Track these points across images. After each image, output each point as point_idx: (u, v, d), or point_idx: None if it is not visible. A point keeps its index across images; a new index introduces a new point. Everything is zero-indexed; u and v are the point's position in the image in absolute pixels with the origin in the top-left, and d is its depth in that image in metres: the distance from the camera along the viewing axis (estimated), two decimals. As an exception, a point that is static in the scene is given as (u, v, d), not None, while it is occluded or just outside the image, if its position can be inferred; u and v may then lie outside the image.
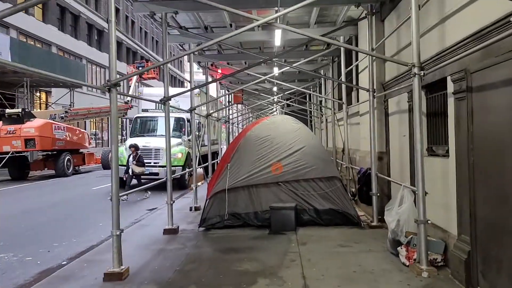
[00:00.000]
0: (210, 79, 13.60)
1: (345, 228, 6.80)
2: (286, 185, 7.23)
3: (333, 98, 11.02)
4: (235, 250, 5.80)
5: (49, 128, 17.75)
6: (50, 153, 19.50)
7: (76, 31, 33.05)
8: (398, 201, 5.29)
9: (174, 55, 58.98)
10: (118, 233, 4.83)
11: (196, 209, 9.11)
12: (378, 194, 6.86)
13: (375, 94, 6.90)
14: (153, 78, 37.42)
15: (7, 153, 17.95)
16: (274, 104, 25.36)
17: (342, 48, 9.44)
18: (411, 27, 4.77)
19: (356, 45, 9.69)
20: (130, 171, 11.92)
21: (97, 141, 36.92)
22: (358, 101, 9.65)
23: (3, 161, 18.47)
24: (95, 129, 37.47)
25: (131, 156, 12.06)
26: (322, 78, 14.82)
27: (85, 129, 32.88)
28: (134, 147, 12.10)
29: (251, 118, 30.12)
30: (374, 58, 6.96)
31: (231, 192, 7.24)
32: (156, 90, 18.70)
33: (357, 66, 9.08)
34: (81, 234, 7.58)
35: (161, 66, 7.15)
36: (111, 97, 4.88)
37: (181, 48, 10.82)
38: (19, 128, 16.88)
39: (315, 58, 12.36)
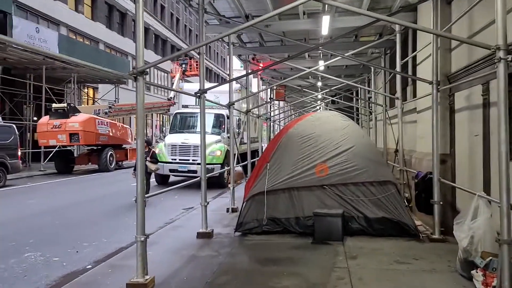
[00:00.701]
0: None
1: (400, 240, 5.92)
2: (332, 188, 6.45)
3: (385, 93, 10.02)
4: (274, 261, 5.13)
5: (92, 123, 17.96)
6: (94, 147, 19.82)
7: (123, 29, 33.74)
8: (471, 213, 4.38)
9: (215, 50, 59.20)
10: (142, 239, 4.32)
11: (234, 210, 8.53)
12: (441, 203, 5.92)
13: (439, 87, 5.94)
14: (196, 75, 37.46)
15: (54, 147, 18.41)
16: (318, 101, 24.44)
17: (397, 37, 8.46)
18: (496, 1, 3.85)
19: (414, 35, 8.69)
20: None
21: (141, 137, 37.60)
22: (414, 96, 8.65)
23: (50, 155, 19.00)
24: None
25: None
26: (372, 73, 13.79)
27: (130, 125, 33.62)
28: (146, 142, 11.01)
29: (293, 116, 29.33)
30: (439, 46, 5.99)
31: (271, 195, 6.57)
32: (196, 86, 18.40)
33: (414, 57, 8.09)
34: (113, 234, 7.21)
35: (198, 57, 6.62)
36: (138, 86, 4.43)
37: (221, 40, 10.28)
38: (65, 123, 17.17)
39: (365, 50, 11.44)
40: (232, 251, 5.65)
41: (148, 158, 9.96)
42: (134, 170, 10.11)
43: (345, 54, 9.74)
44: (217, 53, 60.18)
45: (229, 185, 8.98)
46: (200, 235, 6.35)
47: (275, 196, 6.60)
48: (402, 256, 5.22)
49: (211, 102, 8.84)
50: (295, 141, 6.90)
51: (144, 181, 4.33)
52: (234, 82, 9.07)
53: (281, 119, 21.37)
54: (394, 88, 11.07)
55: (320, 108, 32.20)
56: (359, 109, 17.30)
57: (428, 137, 7.18)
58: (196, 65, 32.06)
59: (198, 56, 6.61)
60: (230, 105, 8.60)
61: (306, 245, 5.89)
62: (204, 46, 6.73)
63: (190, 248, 5.84)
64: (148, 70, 4.39)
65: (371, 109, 14.53)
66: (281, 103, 24.02)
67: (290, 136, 7.01)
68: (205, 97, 6.59)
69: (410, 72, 8.98)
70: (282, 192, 6.61)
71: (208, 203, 6.52)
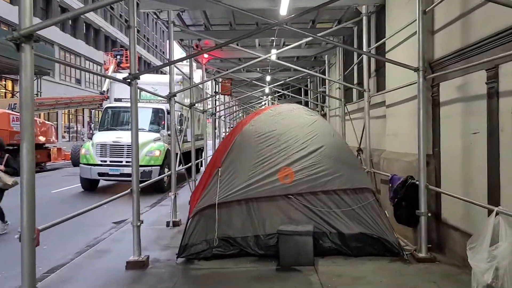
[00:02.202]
0: (194, 64, 11.53)
1: (383, 262, 4.86)
2: (299, 198, 5.26)
3: (349, 84, 9.03)
4: (231, 304, 3.81)
5: (5, 119, 15.32)
6: (10, 148, 17.04)
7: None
8: (489, 235, 3.38)
9: (153, 43, 56.17)
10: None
11: (175, 224, 7.07)
12: (429, 214, 4.95)
13: (426, 75, 4.95)
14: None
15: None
16: (265, 96, 23.37)
17: (364, 20, 7.46)
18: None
19: (381, 19, 7.77)
20: None
21: (71, 135, 34.27)
22: (380, 89, 7.74)
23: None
24: (69, 122, 34.80)
25: None
26: (326, 65, 12.88)
27: (56, 122, 30.28)
28: None
29: (238, 112, 28.04)
30: (421, 27, 4.97)
31: (223, 208, 5.23)
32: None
33: (382, 44, 7.14)
34: (14, 266, 5.44)
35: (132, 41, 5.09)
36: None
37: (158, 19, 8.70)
38: (-31, 119, 14.43)
39: (319, 41, 10.48)
40: (174, 289, 4.24)
41: (1, 168, 7.09)
42: None
43: (300, 42, 8.66)
44: (156, 45, 57.15)
45: (169, 193, 7.47)
46: (130, 265, 4.83)
47: (228, 209, 5.27)
48: (392, 286, 4.14)
49: (148, 92, 7.31)
50: (252, 140, 5.60)
51: (32, 207, 2.79)
52: (174, 73, 7.56)
53: (226, 115, 19.99)
54: (351, 81, 10.24)
55: (266, 103, 31.31)
56: (309, 103, 16.44)
57: (402, 135, 6.27)
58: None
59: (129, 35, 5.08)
60: (171, 97, 7.11)
61: (270, 273, 4.63)
62: (136, 33, 5.23)
63: (116, 286, 4.33)
64: (37, 35, 2.83)
65: (325, 104, 13.67)
66: (226, 98, 22.66)
67: (245, 134, 5.69)
68: (137, 83, 5.08)
69: (376, 61, 8.06)
70: (237, 204, 5.29)
71: (141, 223, 5.01)
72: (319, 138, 5.55)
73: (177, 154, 7.92)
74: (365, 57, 7.53)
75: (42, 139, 18.50)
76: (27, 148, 2.85)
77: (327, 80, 11.45)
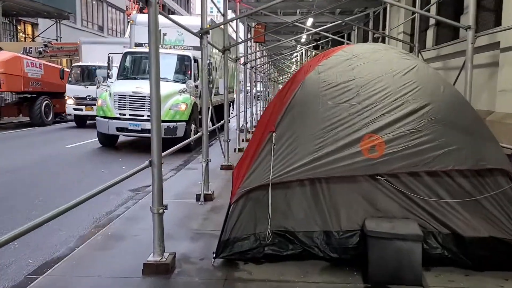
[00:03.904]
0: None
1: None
2: (392, 181, 3.59)
3: (443, 19, 6.90)
4: None
5: (18, 64, 13.94)
6: (28, 95, 15.87)
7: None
8: None
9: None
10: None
11: (207, 198, 5.58)
12: None
13: None
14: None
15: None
16: (299, 46, 21.08)
17: None
18: None
19: None
20: None
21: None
22: (439, 41, 5.73)
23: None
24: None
25: None
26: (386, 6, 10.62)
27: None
28: None
29: (266, 66, 25.79)
30: None
31: (279, 190, 3.67)
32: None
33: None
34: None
35: None
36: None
37: None
38: (-21, 64, 13.11)
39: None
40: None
41: None
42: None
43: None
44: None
45: (200, 161, 5.94)
46: (149, 270, 3.38)
47: (286, 192, 3.70)
48: None
49: (174, 22, 5.59)
50: (319, 95, 3.86)
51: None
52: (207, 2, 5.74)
53: (258, 66, 18.02)
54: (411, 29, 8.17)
55: (297, 56, 28.86)
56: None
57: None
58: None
59: None
60: (203, 34, 5.38)
61: (355, 294, 3.09)
62: None
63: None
64: None
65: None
66: (255, 47, 20.49)
67: (309, 85, 3.94)
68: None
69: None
70: (299, 185, 3.71)
71: (164, 209, 3.47)
72: (422, 93, 3.75)
73: (208, 108, 6.30)
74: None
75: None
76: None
77: (388, 20, 9.17)
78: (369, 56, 4.14)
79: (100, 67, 15.32)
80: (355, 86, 3.88)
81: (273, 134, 3.76)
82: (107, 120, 9.83)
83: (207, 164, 5.68)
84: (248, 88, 13.70)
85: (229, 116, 8.67)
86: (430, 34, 7.91)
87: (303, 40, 18.36)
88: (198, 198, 5.56)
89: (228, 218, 3.66)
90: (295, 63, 33.53)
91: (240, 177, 3.74)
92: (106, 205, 5.67)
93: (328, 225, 3.63)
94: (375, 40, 11.57)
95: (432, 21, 7.89)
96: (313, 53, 18.60)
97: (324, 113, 3.79)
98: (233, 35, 13.03)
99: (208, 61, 11.13)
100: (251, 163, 3.75)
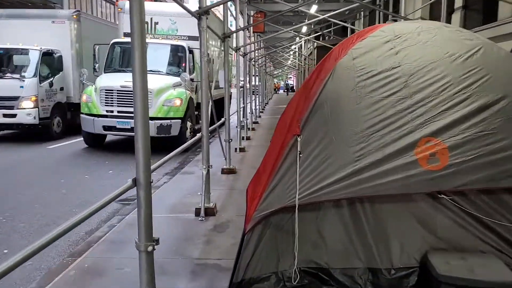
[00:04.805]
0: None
1: None
2: (458, 200, 2.71)
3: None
4: None
5: None
6: None
7: None
8: None
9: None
10: None
11: (209, 213, 4.66)
12: None
13: None
14: None
15: None
16: (298, 38, 20.10)
17: None
18: None
19: None
20: None
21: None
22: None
23: None
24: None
25: None
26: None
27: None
28: None
29: (264, 58, 24.76)
30: None
31: (307, 213, 2.78)
32: (147, 6, 13.55)
33: None
34: None
35: None
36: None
37: None
38: None
39: None
40: None
41: None
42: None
43: None
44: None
45: (200, 168, 5.01)
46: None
47: (317, 215, 2.81)
48: None
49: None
50: (355, 87, 2.96)
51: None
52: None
53: (257, 58, 17.03)
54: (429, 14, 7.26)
55: (295, 48, 27.82)
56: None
57: None
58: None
59: None
60: (201, 14, 4.43)
61: None
62: None
63: None
64: None
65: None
66: (253, 38, 19.50)
67: (342, 75, 3.03)
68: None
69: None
70: (334, 207, 2.83)
71: (155, 245, 2.54)
72: (494, 83, 2.86)
73: (208, 103, 5.35)
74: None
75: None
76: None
77: (404, 5, 8.19)
78: (416, 37, 3.23)
79: (18, 51, 10.69)
80: (402, 75, 2.99)
81: (298, 138, 2.86)
82: (92, 118, 8.84)
83: (208, 171, 4.75)
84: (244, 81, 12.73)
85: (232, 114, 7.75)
86: (456, 18, 7.02)
87: (303, 30, 17.41)
88: (197, 212, 4.64)
89: (242, 251, 2.76)
90: (292, 55, 32.55)
91: (257, 197, 2.82)
92: (84, 223, 4.73)
93: (375, 260, 2.75)
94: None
95: (458, 3, 6.99)
96: (314, 44, 17.66)
97: (364, 110, 2.90)
98: (231, 28, 12.07)
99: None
100: (270, 177, 2.85)
